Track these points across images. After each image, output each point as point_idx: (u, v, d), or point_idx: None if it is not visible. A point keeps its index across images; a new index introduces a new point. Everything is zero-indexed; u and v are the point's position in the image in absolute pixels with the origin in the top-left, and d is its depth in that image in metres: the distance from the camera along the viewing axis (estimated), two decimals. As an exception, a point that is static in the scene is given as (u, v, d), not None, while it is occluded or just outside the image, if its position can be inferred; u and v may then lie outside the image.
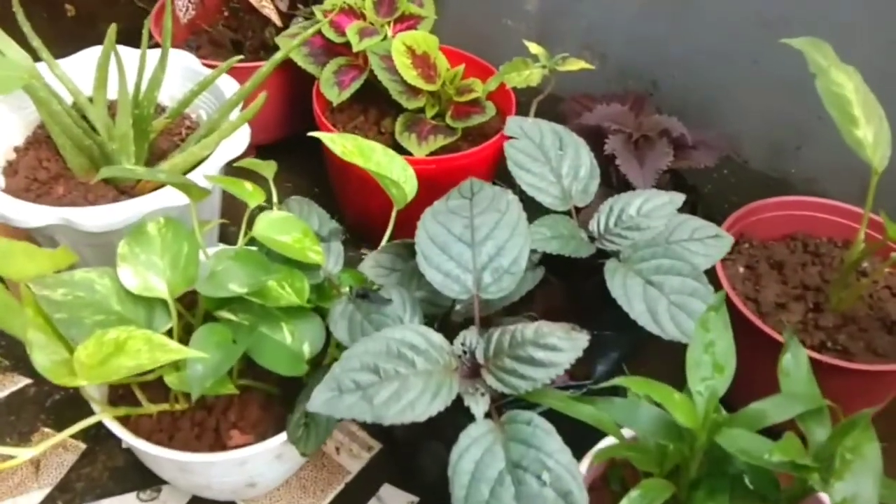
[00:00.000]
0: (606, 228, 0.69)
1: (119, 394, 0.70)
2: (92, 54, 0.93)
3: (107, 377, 0.54)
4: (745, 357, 0.56)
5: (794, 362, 0.56)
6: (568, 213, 0.70)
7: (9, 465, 0.59)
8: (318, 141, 0.74)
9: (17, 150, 0.89)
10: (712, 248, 0.69)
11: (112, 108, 0.88)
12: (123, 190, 0.84)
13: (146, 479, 0.77)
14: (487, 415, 0.54)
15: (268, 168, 0.74)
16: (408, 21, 1.01)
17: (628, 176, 0.81)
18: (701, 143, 0.87)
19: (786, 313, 0.81)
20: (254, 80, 0.81)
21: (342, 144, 0.72)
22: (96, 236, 0.75)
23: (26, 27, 0.82)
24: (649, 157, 0.82)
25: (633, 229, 0.68)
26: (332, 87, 0.96)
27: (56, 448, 0.80)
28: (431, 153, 0.92)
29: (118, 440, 0.80)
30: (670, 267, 0.64)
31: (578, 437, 0.57)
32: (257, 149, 1.12)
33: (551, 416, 0.56)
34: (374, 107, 1.02)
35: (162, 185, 0.77)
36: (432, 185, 0.79)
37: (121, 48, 0.87)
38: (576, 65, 0.86)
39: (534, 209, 0.69)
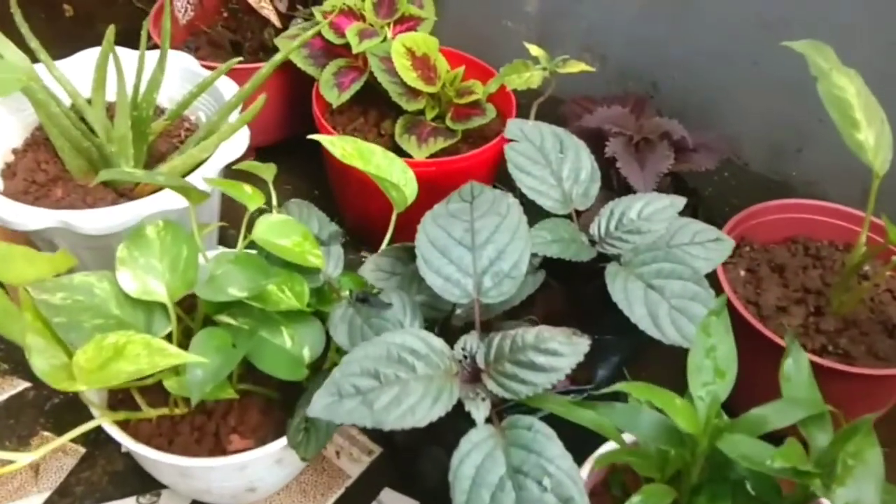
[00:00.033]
0: (607, 232, 0.68)
1: (118, 398, 0.70)
2: (90, 55, 0.92)
3: (106, 382, 0.54)
4: (747, 361, 0.56)
5: (796, 367, 0.56)
6: (568, 216, 0.70)
7: (8, 470, 0.59)
8: (317, 143, 0.74)
9: (15, 152, 0.88)
10: (713, 252, 0.69)
11: (111, 109, 0.88)
12: (122, 192, 0.83)
13: (146, 483, 0.77)
14: (488, 420, 0.54)
15: (267, 171, 0.74)
16: (408, 22, 1.01)
17: (629, 179, 0.81)
18: (702, 146, 0.87)
19: (787, 317, 0.81)
20: (253, 82, 0.81)
21: (342, 147, 0.72)
22: (95, 239, 0.75)
23: (24, 28, 0.81)
24: (650, 159, 0.82)
25: (633, 233, 0.67)
26: (332, 89, 0.96)
27: (55, 452, 0.80)
28: (431, 155, 0.92)
29: (118, 444, 0.79)
30: (671, 271, 0.64)
31: (579, 441, 0.57)
32: (256, 150, 1.12)
33: (552, 420, 0.56)
34: (373, 109, 1.01)
35: (161, 188, 0.77)
36: (432, 188, 0.78)
37: (119, 49, 0.87)
38: (576, 67, 0.86)
39: (534, 212, 0.69)
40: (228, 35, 1.17)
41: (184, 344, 0.62)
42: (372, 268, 0.68)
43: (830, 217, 0.89)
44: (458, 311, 0.63)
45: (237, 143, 0.81)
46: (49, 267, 0.58)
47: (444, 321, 0.66)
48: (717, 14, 0.93)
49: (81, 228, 0.72)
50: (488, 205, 0.65)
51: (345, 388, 0.53)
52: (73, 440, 0.68)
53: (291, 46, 0.84)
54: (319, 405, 0.53)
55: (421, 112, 0.96)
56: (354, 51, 0.95)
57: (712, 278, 0.68)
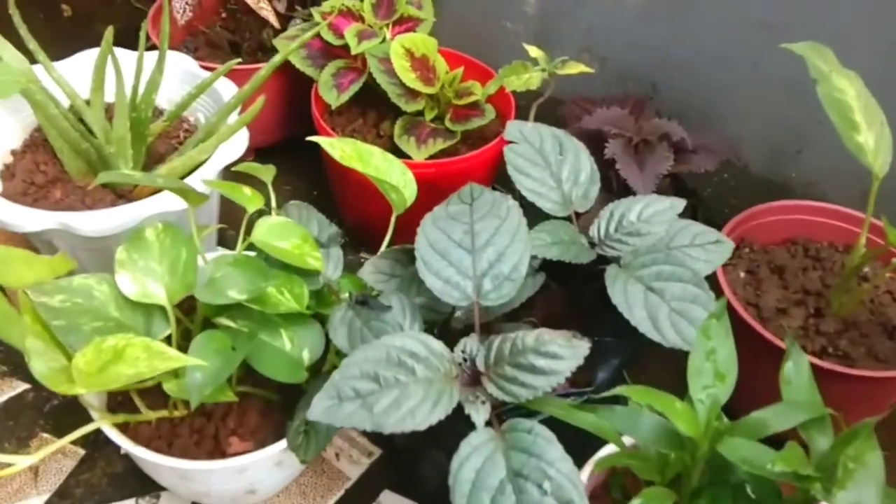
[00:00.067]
0: (607, 234, 0.68)
1: (118, 400, 0.70)
2: (89, 56, 0.92)
3: (105, 385, 0.54)
4: (747, 362, 0.56)
5: (796, 370, 0.56)
6: (568, 218, 0.70)
7: (7, 473, 0.58)
8: (317, 143, 0.74)
9: (14, 153, 0.88)
10: (713, 254, 0.68)
11: (109, 110, 0.88)
12: (121, 194, 0.83)
13: (145, 485, 0.77)
14: (488, 423, 0.54)
15: (267, 172, 0.73)
16: (406, 23, 1.01)
17: (628, 180, 0.80)
18: (701, 147, 0.87)
19: (787, 318, 0.81)
20: (252, 83, 0.80)
21: (341, 149, 0.72)
22: (94, 241, 0.75)
23: (23, 29, 0.81)
24: (649, 161, 0.82)
25: (633, 235, 0.67)
26: (331, 90, 0.95)
27: (55, 454, 0.80)
28: (430, 156, 0.92)
29: (117, 446, 0.79)
30: (671, 273, 0.64)
31: (579, 443, 0.57)
32: (256, 151, 1.12)
33: (552, 422, 0.56)
34: (372, 109, 1.01)
35: (160, 189, 0.77)
36: (431, 189, 0.78)
37: (118, 50, 0.86)
38: (575, 68, 0.85)
39: (533, 214, 0.69)
40: (227, 35, 1.17)
41: (183, 346, 0.62)
42: (371, 270, 0.68)
43: (830, 218, 0.89)
44: (458, 314, 0.63)
45: (236, 145, 0.81)
46: (48, 270, 0.58)
47: (443, 323, 0.66)
48: (717, 16, 0.93)
49: (80, 230, 0.72)
50: (488, 207, 0.64)
51: (344, 392, 0.53)
52: (73, 442, 0.68)
53: (290, 48, 0.84)
54: (319, 408, 0.53)
55: (420, 113, 0.96)
56: (353, 52, 0.95)
57: (712, 280, 0.68)
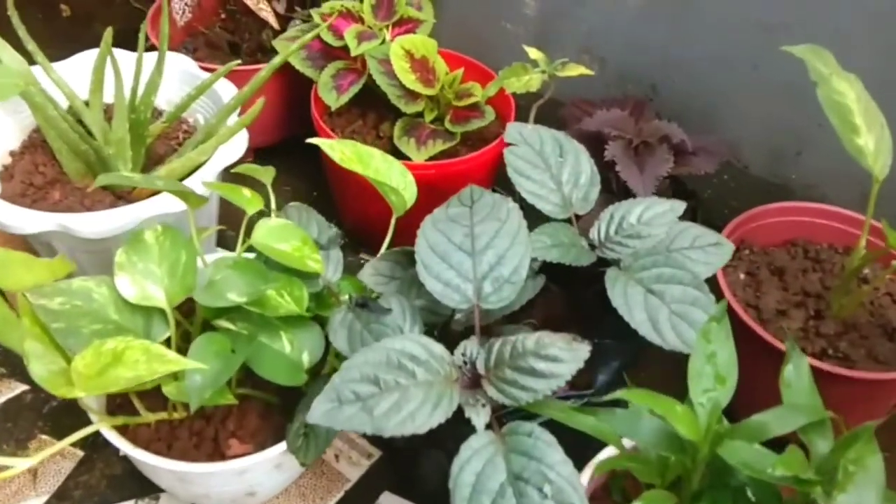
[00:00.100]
0: (607, 236, 0.68)
1: (117, 402, 0.70)
2: (88, 57, 0.92)
3: (105, 388, 0.54)
4: (747, 364, 0.56)
5: (796, 373, 0.56)
6: (568, 220, 0.70)
7: (6, 476, 0.58)
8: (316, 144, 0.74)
9: (12, 154, 0.88)
10: (713, 256, 0.68)
11: (108, 111, 0.88)
12: (120, 195, 0.83)
13: (144, 486, 0.77)
14: (488, 426, 0.54)
15: (266, 174, 0.73)
16: (406, 24, 1.00)
17: (628, 183, 0.80)
18: (701, 149, 0.87)
19: (786, 320, 0.81)
20: (252, 85, 0.80)
21: (341, 151, 0.71)
22: (93, 242, 0.74)
23: (21, 30, 0.81)
24: (649, 163, 0.82)
25: (633, 237, 0.67)
26: (331, 92, 0.95)
27: (53, 456, 0.80)
28: (430, 158, 0.92)
29: (116, 448, 0.79)
30: (671, 276, 0.63)
31: (580, 444, 0.57)
32: (255, 151, 1.12)
33: (552, 423, 0.56)
34: (372, 111, 1.01)
35: (159, 191, 0.77)
36: (431, 191, 0.78)
37: (117, 51, 0.86)
38: (575, 70, 0.85)
39: (533, 216, 0.69)
40: (226, 36, 1.17)
41: (182, 348, 0.62)
42: (371, 272, 0.68)
43: (830, 220, 0.89)
44: (458, 316, 0.63)
45: (236, 146, 0.81)
46: (48, 273, 0.58)
47: (443, 325, 0.66)
48: (717, 17, 0.93)
49: (80, 232, 0.72)
50: (488, 209, 0.64)
51: (344, 395, 0.53)
52: (72, 444, 0.67)
53: (290, 50, 0.84)
54: (319, 411, 0.53)
55: (420, 114, 0.96)
56: (353, 53, 0.95)
57: (712, 281, 0.68)
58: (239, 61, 0.85)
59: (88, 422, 0.64)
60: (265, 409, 0.70)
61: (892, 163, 0.71)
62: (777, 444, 0.51)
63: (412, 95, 0.95)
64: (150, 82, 0.83)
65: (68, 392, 0.55)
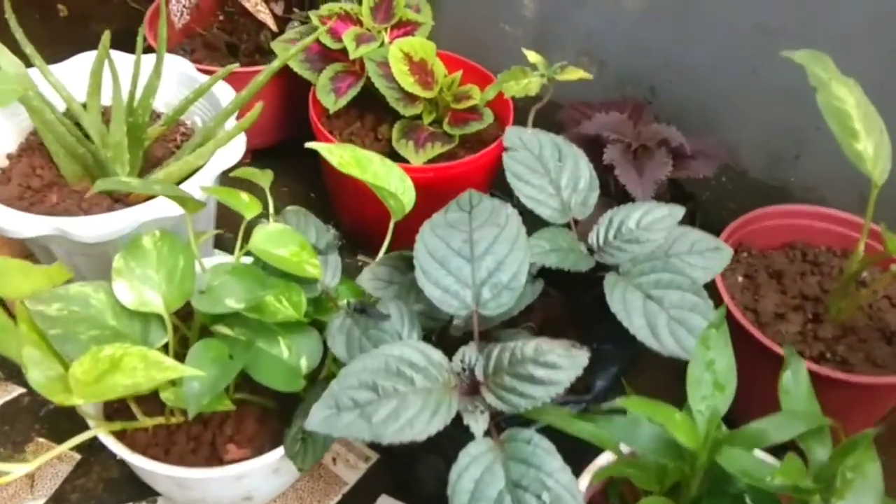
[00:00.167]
0: (606, 241, 0.68)
1: (114, 407, 0.70)
2: (85, 59, 0.92)
3: (103, 395, 0.54)
4: (745, 368, 0.56)
5: (795, 380, 0.56)
6: (567, 225, 0.70)
7: (4, 481, 0.58)
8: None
9: (9, 157, 0.88)
10: (712, 261, 0.68)
11: (106, 114, 0.87)
12: (118, 198, 0.83)
13: (141, 490, 0.77)
14: (486, 432, 0.54)
15: (264, 177, 0.73)
16: (405, 27, 1.00)
17: (627, 186, 0.80)
18: (700, 153, 0.86)
19: (785, 324, 0.81)
20: (250, 89, 0.80)
21: (339, 155, 0.71)
22: (91, 246, 0.74)
23: (19, 33, 0.80)
24: (648, 167, 0.82)
25: (632, 242, 0.67)
26: (329, 94, 0.95)
27: (51, 459, 0.80)
28: (429, 160, 0.91)
29: (114, 451, 0.79)
30: (670, 281, 0.63)
31: (577, 448, 0.57)
32: (253, 153, 1.11)
33: (550, 428, 0.56)
34: (370, 113, 1.01)
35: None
36: (430, 193, 0.78)
37: (114, 53, 0.86)
38: (574, 74, 0.85)
39: (532, 220, 0.69)
40: (224, 37, 1.16)
41: (180, 354, 0.62)
42: (370, 277, 0.68)
43: (828, 223, 0.89)
44: (456, 322, 0.63)
45: (234, 150, 0.81)
46: (45, 280, 0.58)
47: (441, 330, 0.66)
48: (716, 20, 0.93)
49: (77, 236, 0.72)
50: (487, 214, 0.64)
51: (343, 401, 0.53)
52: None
53: (289, 54, 0.84)
54: (317, 418, 0.53)
55: (418, 117, 0.96)
56: (351, 56, 0.94)
57: (710, 285, 0.68)
58: (237, 65, 0.84)
59: (86, 424, 0.64)
60: (263, 414, 0.70)
61: (891, 167, 0.71)
62: (777, 448, 0.51)
63: (411, 98, 0.94)
64: (148, 85, 0.83)
65: (66, 399, 0.55)
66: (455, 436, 0.54)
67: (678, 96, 1.00)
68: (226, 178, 0.82)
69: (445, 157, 0.93)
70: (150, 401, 0.66)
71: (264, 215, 0.69)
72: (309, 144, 0.71)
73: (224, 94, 0.88)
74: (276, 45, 1.01)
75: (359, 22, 0.99)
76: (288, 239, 0.65)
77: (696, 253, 0.68)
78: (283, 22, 1.10)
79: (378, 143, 0.99)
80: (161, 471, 0.63)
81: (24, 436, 0.83)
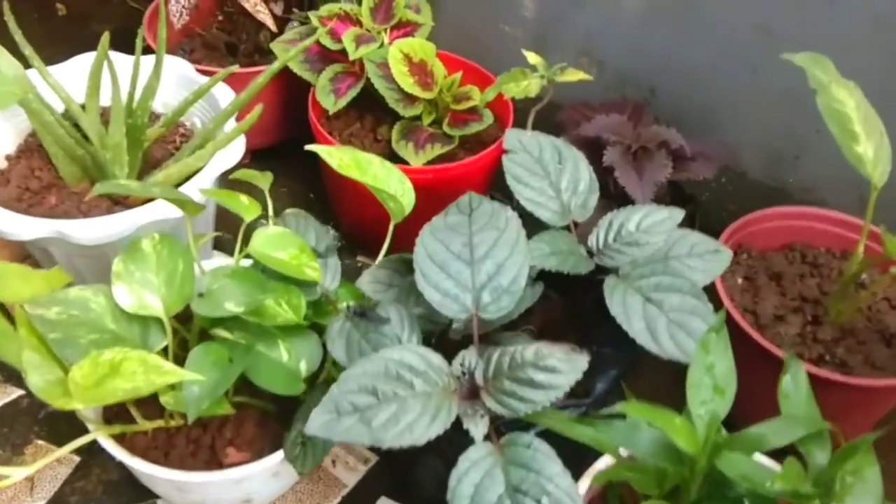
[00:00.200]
0: (605, 244, 0.68)
1: (114, 410, 0.69)
2: (84, 60, 0.91)
3: (103, 399, 0.54)
4: (744, 369, 0.56)
5: (794, 384, 0.56)
6: (567, 227, 0.70)
7: (4, 485, 0.58)
8: (313, 142, 0.73)
9: (8, 158, 0.88)
10: (712, 264, 0.68)
11: (105, 115, 0.87)
12: (117, 200, 0.82)
13: (141, 492, 0.77)
14: (486, 436, 0.54)
15: (264, 179, 0.73)
16: (405, 28, 1.00)
17: (627, 189, 0.80)
18: (699, 155, 0.86)
19: (784, 325, 0.81)
20: (249, 90, 0.80)
21: (339, 157, 0.71)
22: (90, 248, 0.74)
23: (18, 35, 0.80)
24: (648, 169, 0.82)
25: (632, 245, 0.67)
26: (329, 95, 0.95)
27: (50, 462, 0.80)
28: (428, 162, 0.91)
29: (113, 453, 0.79)
30: (670, 284, 0.63)
31: (577, 451, 0.57)
32: (252, 153, 1.11)
33: (549, 430, 0.56)
34: (370, 113, 1.01)
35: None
36: (429, 195, 0.78)
37: (113, 54, 0.86)
38: (574, 76, 0.85)
39: (531, 222, 0.68)
40: (224, 37, 1.16)
41: (180, 356, 0.62)
42: (369, 279, 0.68)
43: (827, 224, 0.89)
44: (456, 326, 0.63)
45: (233, 152, 0.80)
46: (45, 284, 0.58)
47: (441, 333, 0.66)
48: (717, 21, 0.93)
49: (76, 239, 0.72)
50: (487, 218, 0.64)
51: (343, 406, 0.53)
52: (68, 450, 0.68)
53: (289, 55, 0.83)
54: (317, 423, 0.53)
55: (418, 118, 0.96)
56: (351, 57, 0.94)
57: (709, 286, 0.68)
58: (237, 66, 0.84)
59: (85, 426, 0.64)
60: (262, 417, 0.69)
61: (891, 169, 0.71)
62: (776, 451, 0.51)
63: (410, 99, 0.94)
64: (147, 87, 0.82)
65: (66, 403, 0.55)
66: (455, 438, 0.54)
67: (678, 97, 1.00)
68: (225, 180, 0.82)
69: (445, 158, 0.93)
70: (150, 404, 0.66)
71: (264, 217, 0.69)
72: (309, 147, 0.71)
73: (223, 95, 0.88)
74: (275, 46, 1.01)
75: (358, 23, 0.99)
76: (288, 242, 0.65)
77: (696, 255, 0.68)
78: (282, 22, 1.10)
79: (378, 144, 0.99)
80: (161, 474, 0.63)
81: (23, 438, 0.83)
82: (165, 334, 0.61)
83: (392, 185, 0.71)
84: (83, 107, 0.85)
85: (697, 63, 0.96)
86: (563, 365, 0.53)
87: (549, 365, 0.54)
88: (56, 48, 0.94)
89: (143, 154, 0.86)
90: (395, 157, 0.90)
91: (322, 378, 0.67)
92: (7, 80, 0.74)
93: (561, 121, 0.94)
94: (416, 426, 0.53)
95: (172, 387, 0.61)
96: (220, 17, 1.18)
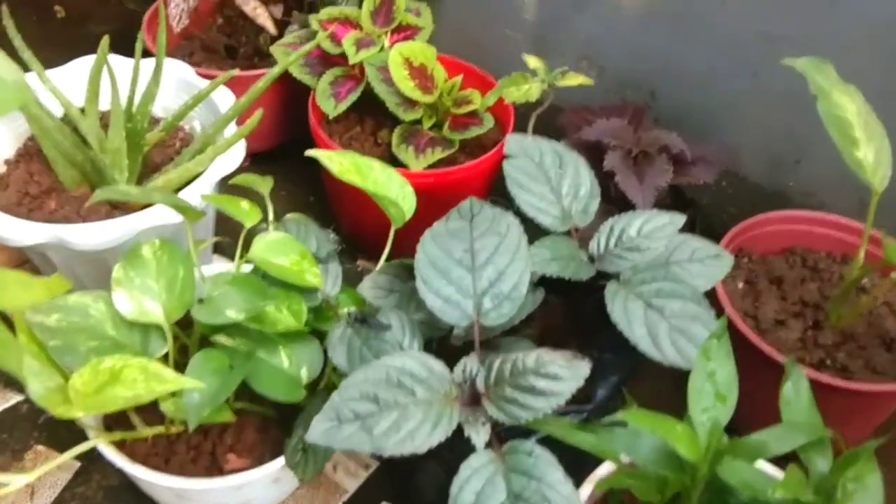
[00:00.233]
0: (606, 249, 0.68)
1: (114, 416, 0.69)
2: (84, 63, 0.91)
3: (103, 407, 0.54)
4: (745, 374, 0.56)
5: (795, 391, 0.56)
6: (567, 233, 0.70)
7: (4, 493, 0.58)
8: (313, 146, 0.73)
9: (7, 162, 0.87)
10: (712, 269, 0.68)
11: (104, 119, 0.87)
12: (116, 205, 0.82)
13: (141, 498, 0.77)
14: (488, 444, 0.54)
15: (264, 184, 0.73)
16: (405, 31, 1.00)
17: (627, 193, 0.80)
18: (700, 159, 0.86)
19: (785, 330, 0.81)
20: (249, 95, 0.80)
21: (339, 162, 0.71)
22: (90, 253, 0.74)
23: (17, 40, 0.80)
24: (648, 173, 0.82)
25: (633, 250, 0.67)
26: (329, 100, 0.95)
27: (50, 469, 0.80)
28: (429, 166, 0.91)
29: (113, 459, 0.79)
30: (671, 290, 0.63)
31: (579, 456, 0.57)
32: (252, 157, 1.11)
33: (551, 436, 0.56)
34: (370, 117, 1.01)
35: (156, 201, 0.76)
36: (430, 199, 0.78)
37: (113, 58, 0.85)
38: (575, 80, 0.85)
39: (532, 227, 0.68)
40: (223, 40, 1.16)
41: (180, 363, 0.62)
42: (370, 285, 0.68)
43: (828, 228, 0.89)
44: (457, 332, 0.63)
45: (233, 156, 0.80)
46: (45, 292, 0.57)
47: (441, 339, 0.66)
48: (717, 25, 0.92)
49: (76, 245, 0.72)
50: (488, 223, 0.64)
51: (344, 413, 0.53)
52: (67, 455, 0.67)
53: (289, 60, 0.83)
54: (318, 430, 0.53)
55: (418, 121, 0.96)
56: (351, 61, 0.94)
57: (710, 290, 0.68)
58: (237, 70, 0.84)
59: (84, 432, 0.64)
60: (263, 423, 0.69)
61: (892, 173, 0.71)
62: (779, 458, 0.51)
63: (411, 103, 0.94)
64: (147, 92, 0.82)
65: (66, 411, 0.55)
66: (456, 444, 0.54)
67: (678, 100, 1.00)
68: (225, 185, 0.82)
69: (445, 162, 0.93)
70: (150, 410, 0.65)
71: (264, 221, 0.69)
72: (309, 152, 0.71)
73: (223, 99, 0.88)
74: (275, 50, 1.01)
75: (358, 26, 0.99)
76: (288, 248, 0.64)
77: (697, 261, 0.68)
78: (281, 25, 1.09)
79: (378, 147, 0.99)
80: (161, 481, 0.62)
81: (22, 443, 0.82)
82: (166, 341, 0.61)
83: (393, 190, 0.71)
84: (82, 111, 0.84)
85: (698, 66, 0.96)
86: (565, 372, 0.53)
87: (550, 372, 0.54)
88: (54, 50, 0.93)
89: (142, 158, 0.85)
90: (395, 161, 0.89)
91: (323, 384, 0.67)
92: (7, 86, 0.73)
93: (561, 124, 0.93)
94: (417, 434, 0.53)
95: (173, 394, 0.60)
96: (220, 20, 1.18)
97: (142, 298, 0.61)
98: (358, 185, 0.70)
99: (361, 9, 0.99)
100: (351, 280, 0.70)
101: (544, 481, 0.52)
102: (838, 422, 0.58)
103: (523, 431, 0.56)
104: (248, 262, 0.65)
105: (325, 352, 0.63)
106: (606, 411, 0.61)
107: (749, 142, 0.97)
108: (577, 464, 0.58)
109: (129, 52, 0.85)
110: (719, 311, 0.76)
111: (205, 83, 0.88)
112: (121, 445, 0.66)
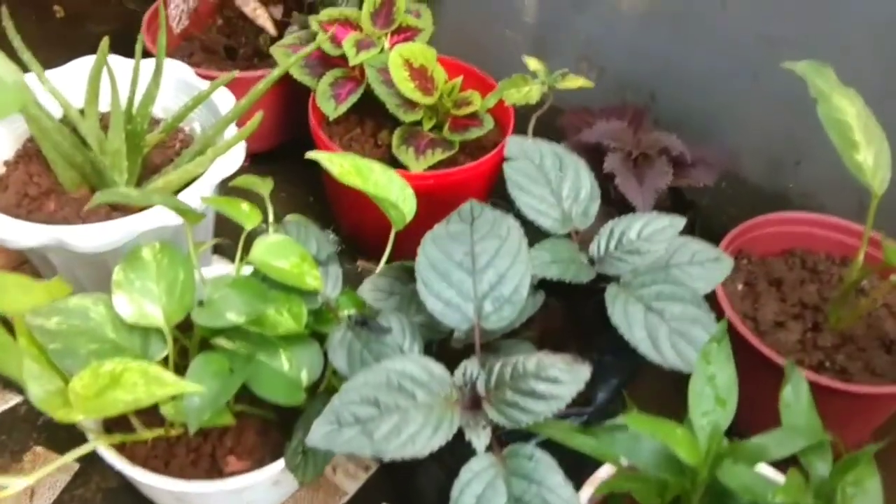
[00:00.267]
0: (607, 252, 0.68)
1: (113, 418, 0.69)
2: (83, 64, 0.91)
3: (103, 411, 0.53)
4: (744, 376, 0.56)
5: (795, 395, 0.56)
6: (568, 235, 0.70)
7: (3, 496, 0.58)
8: (312, 146, 0.73)
9: (6, 164, 0.87)
10: (712, 272, 0.68)
11: (104, 120, 0.87)
12: (116, 206, 0.82)
13: (140, 500, 0.76)
14: (488, 447, 0.54)
15: (264, 186, 0.73)
16: (405, 32, 1.00)
17: (627, 195, 0.80)
18: (700, 161, 0.86)
19: (784, 332, 0.81)
20: (250, 97, 0.80)
21: (339, 164, 0.71)
22: (90, 255, 0.74)
23: (17, 40, 0.80)
24: (648, 175, 0.82)
25: (633, 253, 0.67)
26: (329, 101, 0.95)
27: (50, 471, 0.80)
28: (429, 167, 0.91)
29: (112, 461, 0.79)
30: (671, 293, 0.63)
31: (579, 458, 0.57)
32: (252, 157, 1.11)
33: (550, 439, 0.56)
34: (370, 118, 1.01)
35: (156, 203, 0.76)
36: (430, 200, 0.78)
37: (113, 58, 0.85)
38: (575, 82, 0.85)
39: (532, 229, 0.68)
40: (223, 41, 1.16)
41: (180, 365, 0.62)
42: (370, 288, 0.68)
43: (828, 230, 0.89)
44: (457, 335, 0.63)
45: (233, 158, 0.80)
46: (45, 295, 0.57)
47: (442, 341, 0.66)
48: (718, 27, 0.93)
49: (76, 246, 0.71)
50: (488, 226, 0.64)
51: (344, 417, 0.53)
52: (67, 457, 0.67)
53: (289, 62, 0.83)
54: (318, 434, 0.53)
55: (418, 123, 0.96)
56: (351, 63, 0.94)
57: (710, 293, 0.68)
58: (237, 72, 0.84)
59: (84, 433, 0.64)
60: (263, 426, 0.69)
61: (892, 175, 0.71)
62: (777, 461, 0.51)
63: (411, 104, 0.94)
64: (147, 93, 0.82)
65: (66, 415, 0.55)
66: (456, 447, 0.54)
67: (678, 102, 1.00)
68: (225, 187, 0.82)
69: (445, 163, 0.93)
70: (150, 412, 0.65)
71: (264, 222, 0.69)
72: (309, 154, 0.71)
73: (223, 100, 0.88)
74: (275, 51, 1.01)
75: (358, 27, 0.99)
76: (288, 250, 0.64)
77: (697, 263, 0.68)
78: (281, 26, 1.09)
79: (378, 149, 0.99)
80: (161, 484, 0.62)
81: (21, 445, 0.82)
82: (166, 344, 0.61)
83: (394, 192, 0.71)
84: (82, 112, 0.84)
85: (698, 68, 0.96)
86: (565, 375, 0.53)
87: (550, 375, 0.54)
88: (53, 51, 0.93)
89: (142, 160, 0.85)
90: (395, 163, 0.89)
91: (323, 387, 0.67)
92: (7, 88, 0.73)
93: (561, 126, 0.93)
94: (418, 438, 0.53)
95: (173, 397, 0.60)
96: (220, 21, 1.18)
97: (142, 301, 0.61)
98: (359, 187, 0.70)
99: (361, 10, 0.99)
100: (351, 281, 0.70)
101: (545, 485, 0.52)
102: (837, 424, 0.58)
103: (524, 435, 0.56)
104: (248, 264, 0.65)
105: (326, 354, 0.63)
106: (607, 414, 0.62)
107: (749, 143, 0.97)
108: (577, 466, 0.58)
109: (128, 53, 0.85)
110: (719, 313, 0.76)
111: (205, 84, 0.88)
112: (120, 448, 0.66)
